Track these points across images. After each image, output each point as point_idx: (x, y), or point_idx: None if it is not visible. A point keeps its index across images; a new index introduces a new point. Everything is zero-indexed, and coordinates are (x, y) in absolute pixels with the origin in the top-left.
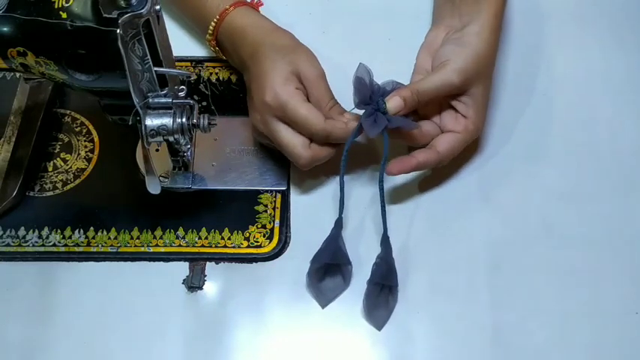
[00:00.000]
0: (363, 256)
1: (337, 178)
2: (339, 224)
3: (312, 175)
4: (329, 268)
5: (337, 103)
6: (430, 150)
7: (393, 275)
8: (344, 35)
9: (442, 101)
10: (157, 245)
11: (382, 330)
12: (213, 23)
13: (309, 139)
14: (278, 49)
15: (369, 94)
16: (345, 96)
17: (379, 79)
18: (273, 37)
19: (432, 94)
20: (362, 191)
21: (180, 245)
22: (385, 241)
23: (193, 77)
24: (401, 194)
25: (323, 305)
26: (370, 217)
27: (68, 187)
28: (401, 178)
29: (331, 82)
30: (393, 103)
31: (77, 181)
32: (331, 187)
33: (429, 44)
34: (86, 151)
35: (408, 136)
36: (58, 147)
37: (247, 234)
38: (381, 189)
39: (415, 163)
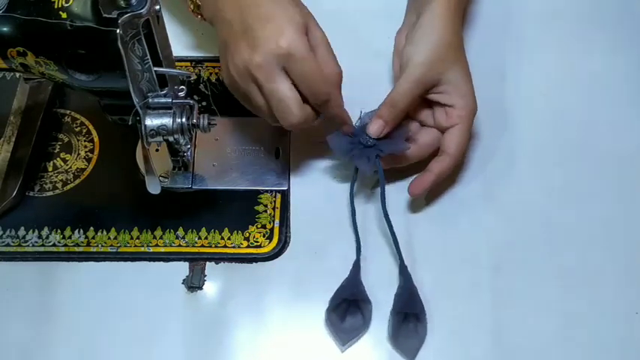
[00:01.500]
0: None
1: (337, 179)
2: (357, 265)
3: (312, 175)
4: (349, 307)
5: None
6: (442, 156)
7: (417, 302)
8: (344, 35)
9: (427, 99)
10: (156, 245)
11: (382, 329)
12: None
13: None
14: None
15: (348, 143)
16: (345, 95)
17: (379, 77)
18: None
19: (408, 99)
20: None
21: (180, 245)
22: (403, 270)
23: (193, 77)
24: (403, 195)
25: (342, 344)
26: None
27: (68, 187)
28: (401, 179)
29: None
30: (374, 127)
31: (77, 181)
32: (331, 188)
33: (397, 49)
34: (86, 151)
35: (405, 158)
36: (58, 147)
37: (247, 234)
38: (387, 219)
39: (433, 177)
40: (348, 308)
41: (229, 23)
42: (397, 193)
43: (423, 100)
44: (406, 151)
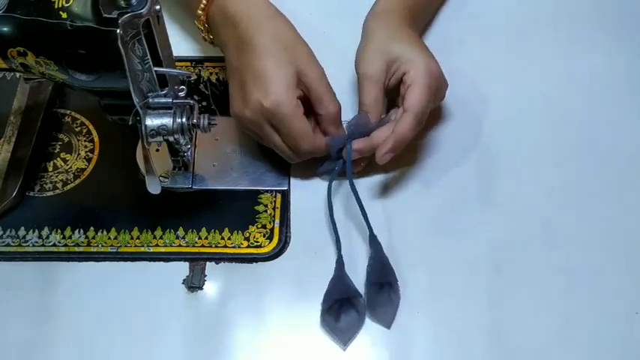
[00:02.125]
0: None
1: (337, 179)
2: (340, 262)
3: (312, 175)
4: (342, 306)
5: (339, 103)
6: (402, 116)
7: (389, 271)
8: (344, 35)
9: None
10: (157, 245)
11: (382, 330)
12: None
13: None
14: (278, 42)
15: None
16: (345, 95)
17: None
18: (272, 27)
19: (375, 96)
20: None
21: (180, 245)
22: (373, 240)
23: (193, 77)
24: (401, 195)
25: (344, 344)
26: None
27: (68, 187)
28: (401, 178)
29: (331, 80)
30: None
31: (77, 181)
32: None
33: None
34: (86, 151)
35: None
36: (58, 147)
37: (247, 234)
38: (354, 190)
39: (394, 136)
40: (340, 307)
41: (232, 68)
42: (396, 192)
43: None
44: (370, 125)
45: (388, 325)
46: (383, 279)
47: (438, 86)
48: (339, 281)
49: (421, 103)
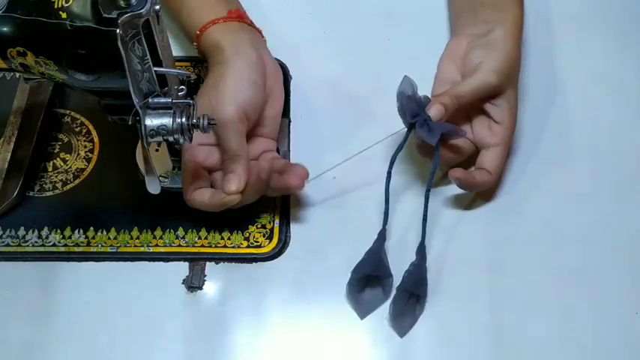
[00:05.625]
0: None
1: (337, 179)
2: (382, 236)
3: (312, 175)
4: (370, 280)
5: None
6: (483, 171)
7: (424, 285)
8: (344, 35)
9: (472, 110)
10: (156, 245)
11: (382, 330)
12: (197, 32)
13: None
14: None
15: (415, 107)
16: (345, 95)
17: (379, 78)
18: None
19: (471, 97)
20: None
21: (180, 245)
22: (421, 250)
23: (193, 77)
24: (401, 193)
25: (361, 316)
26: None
27: (68, 187)
28: (408, 181)
29: (331, 81)
30: (434, 111)
31: (77, 181)
32: (331, 188)
33: (452, 53)
34: (86, 151)
35: (452, 151)
36: (58, 147)
37: (247, 234)
38: (427, 198)
39: (473, 181)
40: (368, 281)
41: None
42: (397, 194)
43: (465, 112)
44: (462, 137)
45: (402, 334)
46: (415, 290)
47: None
48: (376, 255)
49: (502, 168)
